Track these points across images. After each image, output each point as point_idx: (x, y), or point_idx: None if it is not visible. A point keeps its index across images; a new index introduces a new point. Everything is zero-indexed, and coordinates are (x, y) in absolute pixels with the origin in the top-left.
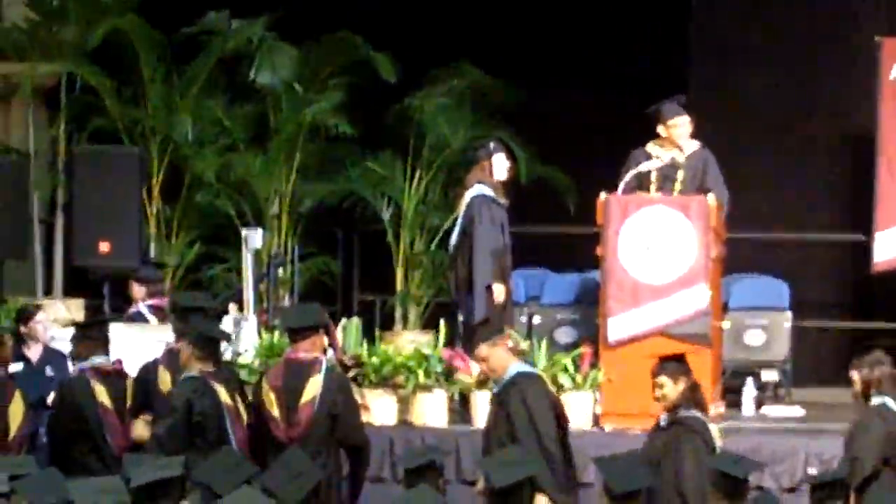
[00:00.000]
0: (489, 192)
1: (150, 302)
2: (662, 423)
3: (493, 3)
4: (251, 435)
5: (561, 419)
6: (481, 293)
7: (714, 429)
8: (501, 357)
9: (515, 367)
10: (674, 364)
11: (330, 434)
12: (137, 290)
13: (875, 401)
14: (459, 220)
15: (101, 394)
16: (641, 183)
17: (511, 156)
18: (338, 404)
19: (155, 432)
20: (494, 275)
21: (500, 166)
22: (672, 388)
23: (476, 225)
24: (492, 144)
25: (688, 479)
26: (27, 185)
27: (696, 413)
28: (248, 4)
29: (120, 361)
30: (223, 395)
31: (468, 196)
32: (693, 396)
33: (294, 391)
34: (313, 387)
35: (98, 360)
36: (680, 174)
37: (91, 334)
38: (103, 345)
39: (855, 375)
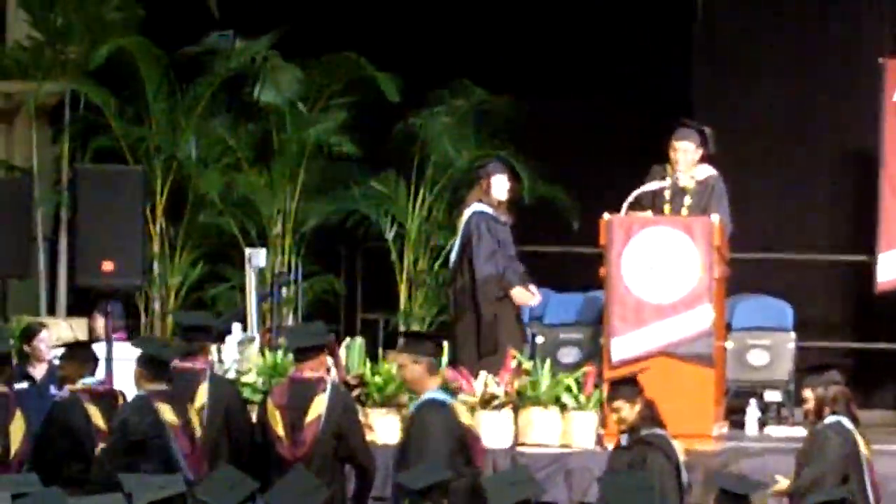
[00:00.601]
0: (488, 210)
1: (114, 336)
2: (624, 443)
3: (496, 22)
4: (255, 453)
5: (471, 452)
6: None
7: (677, 445)
8: (418, 375)
9: (430, 392)
10: (627, 387)
11: (335, 453)
12: (100, 323)
13: (829, 419)
14: (458, 238)
15: (95, 415)
16: (655, 201)
17: (513, 175)
18: (343, 424)
19: (96, 454)
20: (502, 284)
21: (500, 186)
22: (629, 411)
23: (474, 241)
24: (491, 164)
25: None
26: (30, 204)
27: (658, 430)
28: (252, 23)
29: (110, 381)
30: (167, 414)
31: (466, 214)
32: (651, 415)
33: (299, 410)
34: (318, 406)
35: (88, 381)
36: (687, 199)
37: (80, 355)
38: (92, 365)
39: (809, 394)
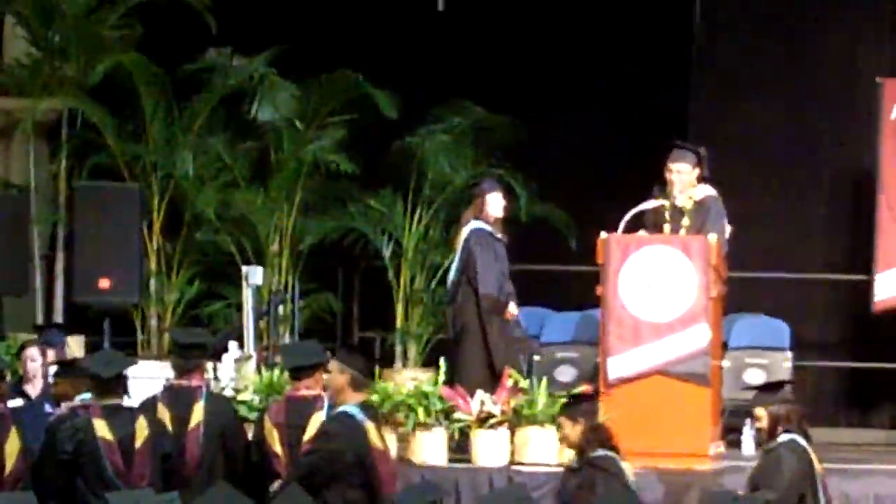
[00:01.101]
0: (485, 227)
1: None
2: (574, 466)
3: (494, 41)
4: (250, 471)
5: (375, 474)
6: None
7: (628, 467)
8: (339, 385)
9: (346, 406)
10: (573, 406)
11: None
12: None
13: (783, 438)
14: (457, 256)
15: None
16: (656, 221)
17: (510, 193)
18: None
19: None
20: (501, 297)
21: (496, 204)
22: (571, 430)
23: (475, 259)
24: (486, 182)
25: None
26: (27, 221)
27: (607, 452)
28: (250, 41)
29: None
30: (102, 429)
31: (465, 232)
32: (598, 437)
33: (297, 428)
34: (316, 424)
35: (86, 396)
36: (685, 220)
37: (75, 373)
38: (87, 382)
39: (762, 412)
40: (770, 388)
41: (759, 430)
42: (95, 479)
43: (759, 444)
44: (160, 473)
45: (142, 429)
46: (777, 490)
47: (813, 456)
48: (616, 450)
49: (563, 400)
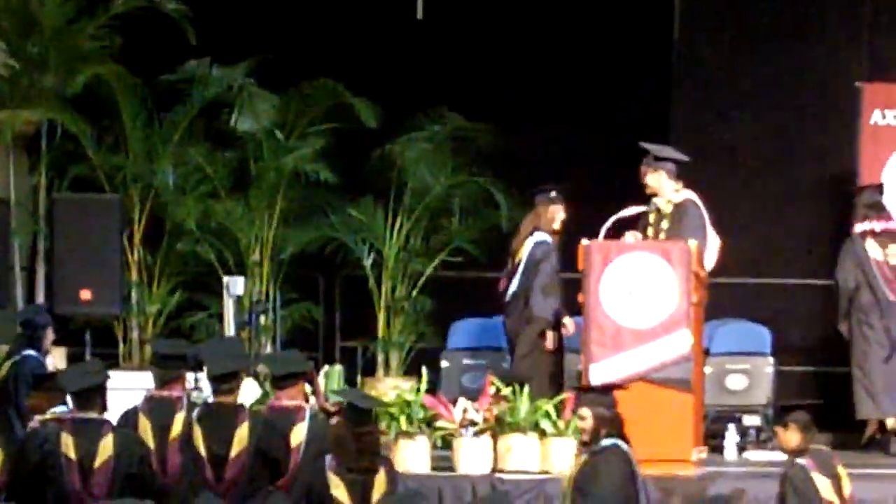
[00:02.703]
0: (549, 239)
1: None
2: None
3: (473, 50)
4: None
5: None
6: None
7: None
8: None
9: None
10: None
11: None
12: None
13: (606, 442)
14: (522, 266)
15: (67, 444)
16: (645, 224)
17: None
18: (322, 451)
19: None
20: (557, 313)
21: (556, 216)
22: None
23: (540, 270)
24: (552, 193)
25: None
26: (8, 233)
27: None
28: (229, 52)
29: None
30: (66, 446)
31: (528, 244)
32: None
33: (279, 439)
34: (298, 434)
35: (58, 410)
36: (664, 223)
37: (48, 386)
38: (64, 395)
39: (587, 412)
40: (599, 391)
41: (582, 431)
42: (59, 494)
43: (583, 444)
44: (124, 492)
45: (105, 448)
46: (600, 494)
47: (634, 461)
48: (625, 439)
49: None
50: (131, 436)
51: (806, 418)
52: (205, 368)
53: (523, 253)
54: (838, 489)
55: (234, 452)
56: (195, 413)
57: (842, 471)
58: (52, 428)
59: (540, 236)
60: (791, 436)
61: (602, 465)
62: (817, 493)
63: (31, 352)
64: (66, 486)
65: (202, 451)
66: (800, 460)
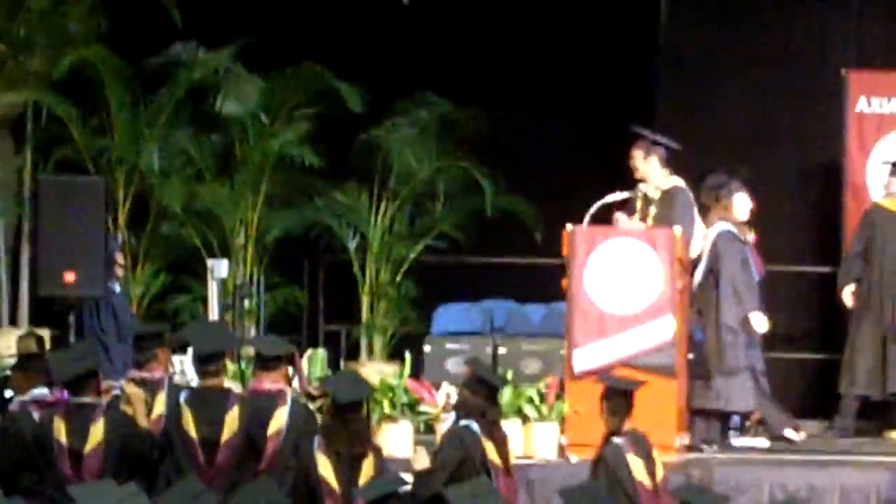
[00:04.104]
0: (733, 229)
1: None
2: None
3: (459, 34)
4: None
5: None
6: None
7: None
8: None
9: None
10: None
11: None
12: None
13: (464, 422)
14: (705, 258)
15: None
16: (632, 210)
17: (477, 186)
18: (304, 435)
19: None
20: (745, 308)
21: (743, 205)
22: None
23: (722, 263)
24: (733, 183)
25: None
26: None
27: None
28: (215, 35)
29: (63, 393)
30: (59, 431)
31: (712, 233)
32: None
33: (259, 422)
34: (279, 419)
35: (38, 392)
36: (652, 209)
37: (31, 367)
38: (44, 377)
39: (451, 391)
40: (478, 376)
41: (447, 403)
42: (50, 479)
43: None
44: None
45: (96, 433)
46: (435, 469)
47: (489, 446)
48: (490, 426)
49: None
50: (123, 418)
51: (622, 400)
52: (189, 350)
53: (706, 243)
54: (651, 471)
55: (224, 437)
56: (183, 397)
57: (657, 454)
58: (46, 413)
59: (722, 226)
60: (607, 416)
61: (450, 439)
62: (630, 473)
63: None
64: (58, 471)
65: (193, 434)
66: (616, 440)
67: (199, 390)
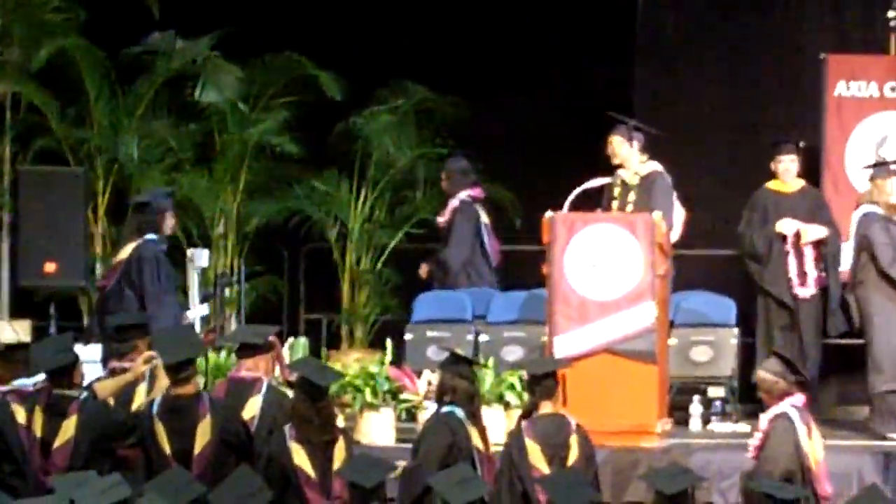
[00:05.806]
0: (879, 211)
1: None
2: None
3: (437, 22)
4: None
5: None
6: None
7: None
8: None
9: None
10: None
11: None
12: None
13: (446, 409)
14: (853, 239)
15: (21, 416)
16: (606, 198)
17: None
18: (277, 423)
19: None
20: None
21: (889, 188)
22: None
23: (873, 244)
24: (883, 168)
25: None
26: None
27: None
28: (193, 24)
29: (46, 383)
30: (20, 416)
31: (856, 216)
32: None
33: (234, 409)
34: (253, 407)
35: (19, 382)
36: (631, 195)
37: (12, 357)
38: (25, 368)
39: (432, 378)
40: (459, 360)
41: (428, 392)
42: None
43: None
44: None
45: (67, 428)
46: (421, 458)
47: (472, 432)
48: (472, 412)
49: None
50: (100, 409)
51: (538, 382)
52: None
53: (851, 226)
54: (552, 457)
55: (197, 449)
56: (155, 409)
57: (573, 440)
58: (29, 402)
59: (867, 208)
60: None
61: (434, 427)
62: (526, 457)
63: (152, 235)
64: (27, 462)
65: (167, 448)
66: (524, 423)
67: (169, 399)
